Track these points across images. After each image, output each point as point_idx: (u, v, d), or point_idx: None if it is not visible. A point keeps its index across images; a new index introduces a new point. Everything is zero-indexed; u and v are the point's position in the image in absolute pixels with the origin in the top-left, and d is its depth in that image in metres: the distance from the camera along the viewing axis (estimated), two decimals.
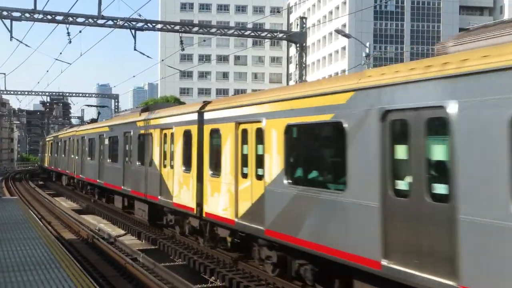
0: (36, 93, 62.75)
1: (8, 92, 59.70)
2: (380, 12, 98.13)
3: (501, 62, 6.66)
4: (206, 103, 15.51)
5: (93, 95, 75.87)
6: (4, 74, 52.58)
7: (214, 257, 15.42)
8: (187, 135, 15.97)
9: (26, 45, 29.69)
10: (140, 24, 29.40)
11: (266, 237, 11.70)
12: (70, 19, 28.14)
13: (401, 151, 8.25)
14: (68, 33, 28.77)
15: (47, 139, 58.14)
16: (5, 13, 27.12)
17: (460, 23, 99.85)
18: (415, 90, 7.87)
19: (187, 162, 15.94)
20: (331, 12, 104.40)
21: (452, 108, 7.22)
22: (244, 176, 12.77)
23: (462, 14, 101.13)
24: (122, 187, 22.79)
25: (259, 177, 12.08)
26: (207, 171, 14.64)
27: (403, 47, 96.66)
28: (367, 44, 36.47)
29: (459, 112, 7.14)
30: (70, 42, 28.86)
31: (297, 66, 31.62)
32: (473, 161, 6.97)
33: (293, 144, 11.14)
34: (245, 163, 12.80)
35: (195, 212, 15.16)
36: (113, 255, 16.25)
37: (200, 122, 15.10)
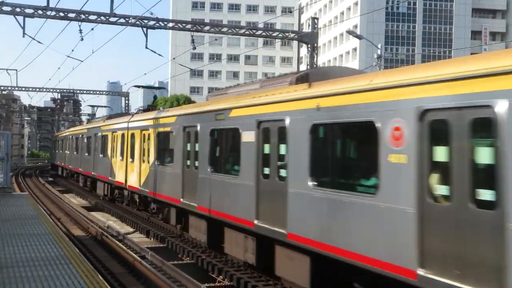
0: (47, 90, 63.03)
1: (20, 89, 59.95)
2: (391, 14, 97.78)
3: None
4: None
5: (104, 92, 76.19)
6: (16, 70, 52.91)
7: (222, 256, 15.42)
8: None
9: (39, 41, 29.86)
10: (151, 23, 29.48)
11: None
12: (83, 16, 28.26)
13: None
14: (80, 31, 28.91)
15: (70, 132, 44.60)
16: (18, 9, 27.28)
17: (472, 25, 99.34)
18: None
19: None
20: (342, 13, 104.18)
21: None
22: None
23: (474, 17, 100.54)
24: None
25: None
26: None
27: (414, 49, 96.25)
28: (379, 46, 36.33)
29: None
30: (82, 39, 29.00)
31: (308, 66, 31.55)
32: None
33: None
34: None
35: None
36: (122, 253, 16.30)
37: None
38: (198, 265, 15.32)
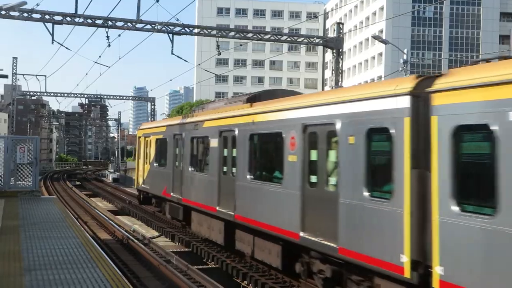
0: (75, 95, 63.80)
1: (48, 94, 60.78)
2: (418, 18, 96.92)
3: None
4: None
5: (130, 98, 76.83)
6: (45, 76, 53.73)
7: (247, 261, 15.43)
8: None
9: (67, 48, 30.28)
10: (177, 29, 29.69)
11: None
12: (110, 23, 28.60)
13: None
14: (108, 37, 29.21)
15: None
16: (47, 17, 27.73)
17: (500, 30, 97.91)
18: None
19: None
20: (368, 18, 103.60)
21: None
22: None
23: (502, 21, 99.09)
24: None
25: None
26: None
27: (441, 54, 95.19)
28: (405, 51, 36.03)
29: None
30: (109, 45, 29.33)
31: (333, 71, 31.44)
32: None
33: None
34: None
35: None
36: (147, 256, 16.42)
37: None
38: (223, 269, 15.36)
